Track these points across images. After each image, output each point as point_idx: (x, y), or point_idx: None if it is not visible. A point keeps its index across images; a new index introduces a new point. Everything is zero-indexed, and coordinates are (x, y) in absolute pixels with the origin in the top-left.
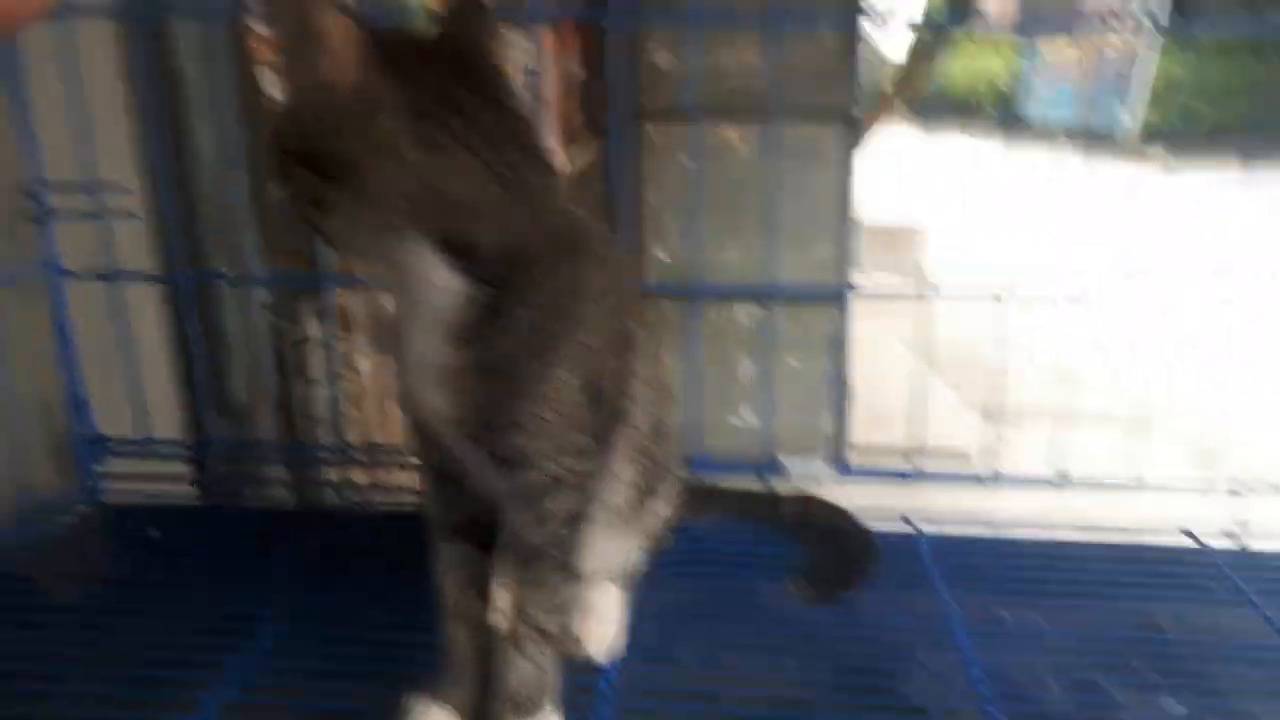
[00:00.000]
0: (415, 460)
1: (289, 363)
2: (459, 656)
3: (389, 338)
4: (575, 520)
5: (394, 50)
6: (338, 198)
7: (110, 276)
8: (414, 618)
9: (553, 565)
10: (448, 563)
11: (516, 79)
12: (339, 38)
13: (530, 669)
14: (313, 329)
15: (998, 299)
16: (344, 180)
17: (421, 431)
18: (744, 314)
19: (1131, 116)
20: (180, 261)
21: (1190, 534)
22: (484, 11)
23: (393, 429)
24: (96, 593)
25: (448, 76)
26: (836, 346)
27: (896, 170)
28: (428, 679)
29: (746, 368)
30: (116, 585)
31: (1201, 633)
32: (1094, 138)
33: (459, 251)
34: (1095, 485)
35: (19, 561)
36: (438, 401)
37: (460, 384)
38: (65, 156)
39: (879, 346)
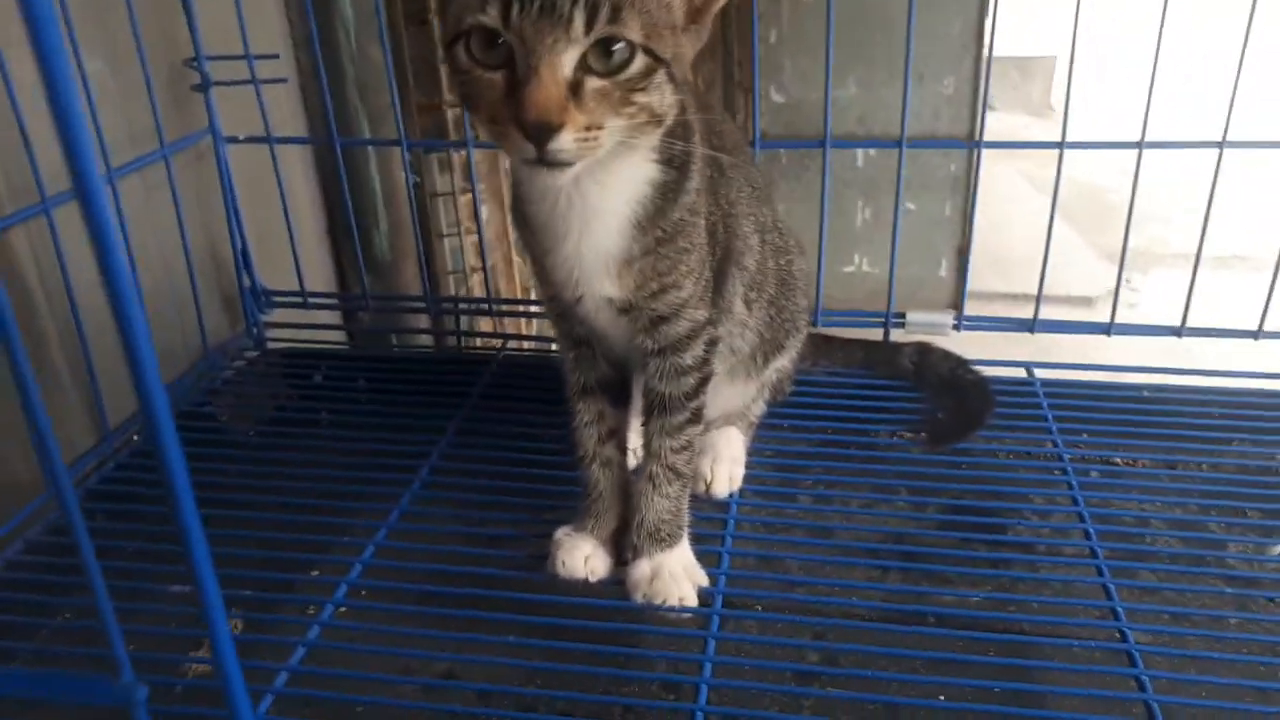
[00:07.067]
0: (556, 336)
1: (429, 219)
2: (600, 495)
3: (535, 248)
4: (704, 368)
5: None
6: None
7: (267, 140)
8: (558, 446)
9: (684, 412)
10: (585, 417)
11: None
12: None
13: (667, 505)
14: (441, 184)
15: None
16: None
17: (566, 313)
18: (860, 155)
19: None
20: (328, 125)
21: None
22: None
23: (514, 280)
24: (268, 427)
25: None
26: (961, 190)
27: None
28: (573, 515)
29: (861, 212)
30: (286, 421)
31: None
32: None
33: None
34: (1215, 333)
35: (200, 399)
36: (608, 288)
37: (637, 264)
38: (224, 30)
39: (1002, 186)
